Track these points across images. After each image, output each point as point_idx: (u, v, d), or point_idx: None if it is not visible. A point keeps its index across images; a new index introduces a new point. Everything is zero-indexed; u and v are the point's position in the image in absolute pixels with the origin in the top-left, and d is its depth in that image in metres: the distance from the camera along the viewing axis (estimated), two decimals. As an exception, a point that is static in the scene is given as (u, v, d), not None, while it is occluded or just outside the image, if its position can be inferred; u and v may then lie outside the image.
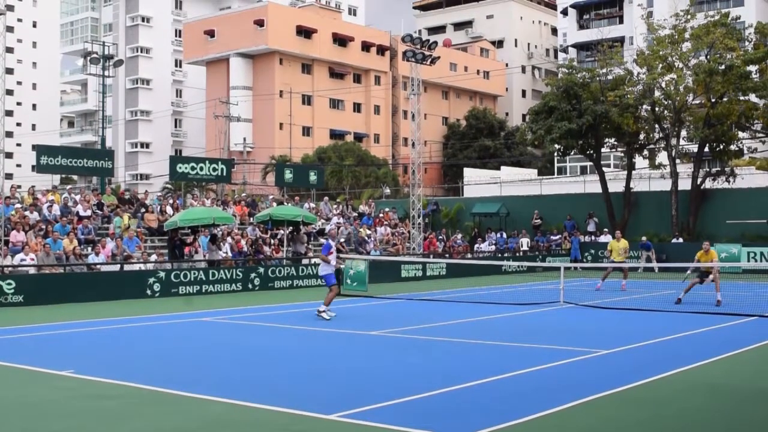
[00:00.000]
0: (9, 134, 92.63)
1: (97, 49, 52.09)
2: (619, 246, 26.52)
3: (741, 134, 43.17)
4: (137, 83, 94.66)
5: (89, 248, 26.40)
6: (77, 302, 22.11)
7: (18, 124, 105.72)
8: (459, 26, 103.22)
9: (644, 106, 43.34)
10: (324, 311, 17.92)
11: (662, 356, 12.87)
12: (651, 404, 9.35)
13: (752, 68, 40.72)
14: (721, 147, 42.30)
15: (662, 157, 45.97)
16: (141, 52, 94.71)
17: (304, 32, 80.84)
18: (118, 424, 8.49)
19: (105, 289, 23.48)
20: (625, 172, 46.08)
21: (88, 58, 51.96)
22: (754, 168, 50.21)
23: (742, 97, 41.27)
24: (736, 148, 43.06)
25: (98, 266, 25.10)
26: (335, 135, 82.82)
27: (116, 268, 25.53)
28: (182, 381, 10.52)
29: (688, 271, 23.37)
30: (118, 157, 80.00)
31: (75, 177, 68.05)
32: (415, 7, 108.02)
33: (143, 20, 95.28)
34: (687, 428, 8.29)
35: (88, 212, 30.14)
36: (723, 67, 40.07)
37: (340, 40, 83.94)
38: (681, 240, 39.94)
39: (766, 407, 9.34)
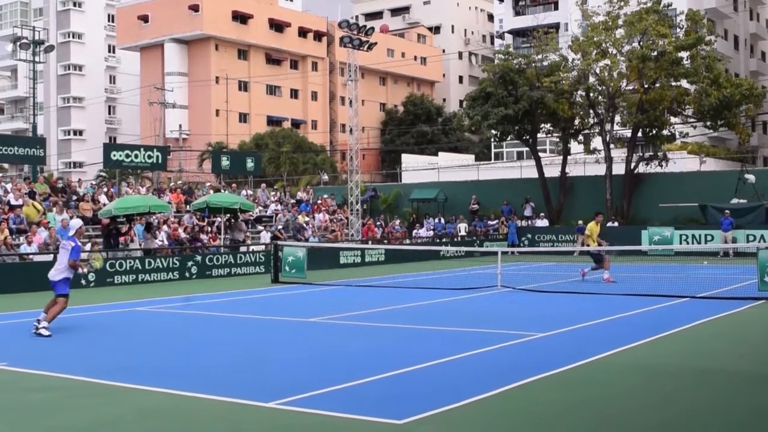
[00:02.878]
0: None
1: (27, 34, 50.85)
2: (599, 229, 25.16)
3: (673, 119, 43.94)
4: (69, 69, 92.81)
5: (21, 238, 25.84)
6: (9, 293, 21.64)
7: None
8: (396, 12, 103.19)
9: (579, 92, 43.87)
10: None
11: (598, 338, 13.04)
12: (590, 385, 9.47)
13: (683, 54, 41.44)
14: (654, 132, 43.01)
15: (597, 142, 46.59)
16: (73, 37, 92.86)
17: (240, 17, 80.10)
18: (52, 416, 8.33)
19: (38, 280, 22.89)
20: (561, 157, 46.65)
21: (18, 43, 50.73)
22: (685, 152, 51.23)
23: (673, 83, 41.98)
24: (669, 133, 43.83)
25: (30, 256, 24.58)
26: (272, 121, 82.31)
27: (49, 257, 25.02)
28: (117, 371, 10.36)
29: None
30: (51, 145, 78.56)
31: (6, 165, 66.51)
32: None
33: (75, 5, 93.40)
34: (626, 408, 8.41)
35: (20, 201, 29.48)
36: (655, 53, 40.74)
37: (277, 26, 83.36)
38: (616, 224, 40.56)
39: (703, 386, 9.52)
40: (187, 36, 79.16)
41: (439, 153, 71.08)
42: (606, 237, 38.40)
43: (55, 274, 14.21)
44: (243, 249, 30.76)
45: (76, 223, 15.08)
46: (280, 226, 35.39)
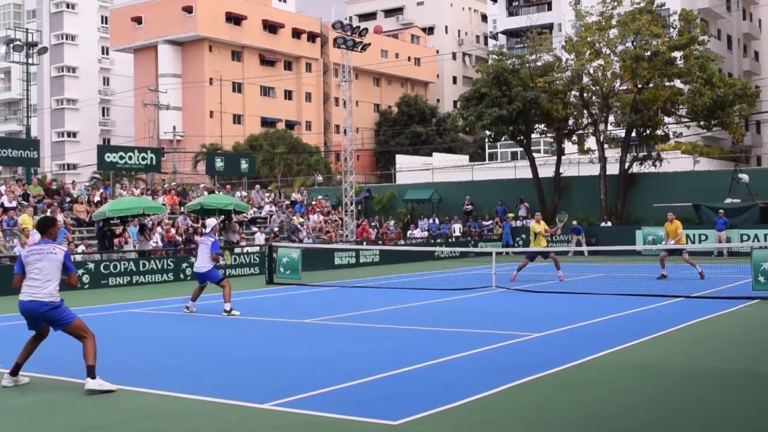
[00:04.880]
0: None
1: (21, 36, 50.80)
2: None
3: (667, 119, 44.04)
4: (63, 71, 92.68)
5: (15, 240, 25.78)
6: (3, 296, 21.56)
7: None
8: (390, 13, 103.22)
9: (573, 92, 43.95)
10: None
11: (593, 338, 13.05)
12: (585, 385, 9.47)
13: (677, 54, 41.54)
14: (648, 132, 43.10)
15: (591, 143, 46.69)
16: (66, 39, 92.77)
17: (234, 19, 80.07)
18: (47, 419, 8.32)
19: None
20: (555, 158, 46.71)
21: (11, 45, 50.64)
22: (679, 152, 51.33)
23: (667, 83, 42.10)
24: (662, 133, 43.94)
25: (24, 258, 24.47)
26: (266, 123, 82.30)
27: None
28: (112, 373, 10.33)
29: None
30: (44, 147, 78.46)
31: (-1, 167, 66.50)
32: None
33: (68, 6, 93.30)
34: (621, 408, 8.42)
35: (14, 203, 29.43)
36: (649, 53, 40.82)
37: (271, 27, 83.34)
38: (609, 224, 40.64)
39: (697, 385, 9.53)
40: (180, 37, 79.10)
41: (434, 154, 71.13)
42: (601, 237, 38.75)
43: (202, 266, 16.95)
44: (237, 250, 30.74)
45: (212, 222, 18.08)
46: (275, 229, 35.37)
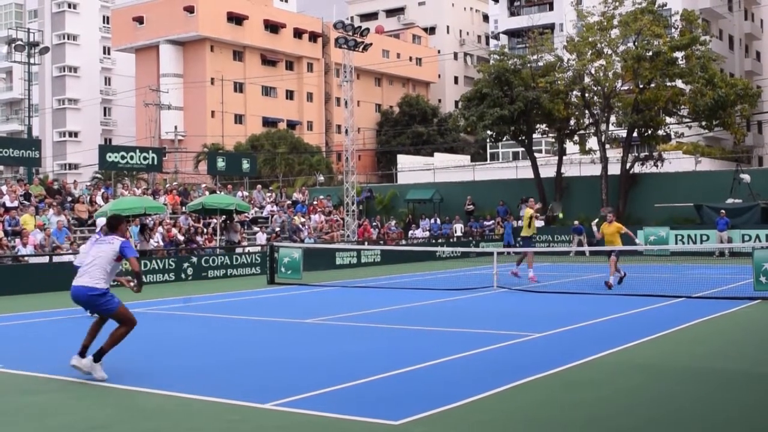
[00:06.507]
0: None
1: (22, 36, 50.80)
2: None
3: (668, 119, 44.00)
4: (64, 71, 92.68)
5: (16, 239, 25.80)
6: (5, 295, 21.60)
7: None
8: (391, 13, 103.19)
9: (574, 92, 43.91)
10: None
11: (594, 338, 13.04)
12: (586, 386, 9.47)
13: (678, 54, 41.50)
14: (649, 132, 43.05)
15: (592, 143, 46.65)
16: (68, 39, 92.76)
17: (235, 19, 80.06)
18: (48, 419, 8.31)
19: (34, 281, 22.98)
20: (557, 158, 46.67)
21: (13, 45, 50.65)
22: (681, 152, 51.32)
23: (669, 83, 42.04)
24: (664, 133, 43.87)
25: (26, 258, 24.55)
26: (268, 122, 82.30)
27: (45, 259, 25.00)
28: (113, 373, 10.34)
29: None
30: (46, 147, 78.48)
31: (1, 167, 66.41)
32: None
33: (69, 6, 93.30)
34: (622, 408, 8.41)
35: (15, 203, 29.44)
36: (650, 53, 40.78)
37: (272, 27, 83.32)
38: (611, 224, 40.50)
39: (699, 385, 9.53)
40: (182, 37, 79.11)
41: (435, 154, 71.13)
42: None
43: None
44: (239, 250, 30.74)
45: (102, 221, 16.47)
46: (277, 229, 35.38)
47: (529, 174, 46.16)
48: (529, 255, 23.21)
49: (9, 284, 22.44)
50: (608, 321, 15.17)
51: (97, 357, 9.96)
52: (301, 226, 36.49)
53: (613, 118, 44.06)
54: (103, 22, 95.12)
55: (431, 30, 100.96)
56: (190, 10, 77.72)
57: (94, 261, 10.14)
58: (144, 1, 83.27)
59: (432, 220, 44.80)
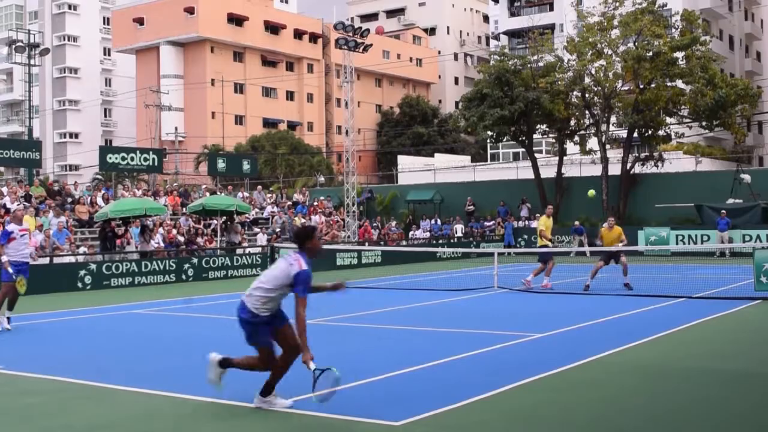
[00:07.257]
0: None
1: (23, 37, 50.77)
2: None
3: (668, 120, 44.00)
4: (65, 72, 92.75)
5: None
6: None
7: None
8: (391, 14, 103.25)
9: (575, 93, 43.94)
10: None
11: (595, 338, 13.03)
12: (587, 386, 9.46)
13: (679, 55, 41.51)
14: (650, 132, 43.06)
15: (593, 143, 46.64)
16: (68, 40, 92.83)
17: (236, 20, 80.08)
18: (48, 420, 8.30)
19: (34, 283, 22.90)
20: (557, 158, 46.67)
21: (13, 46, 50.60)
22: (681, 153, 51.32)
23: (669, 83, 42.07)
24: (664, 134, 43.88)
25: (26, 259, 24.50)
26: (268, 123, 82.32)
27: (45, 260, 25.01)
28: (113, 374, 10.34)
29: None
30: (46, 148, 78.58)
31: (2, 169, 66.43)
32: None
33: (70, 8, 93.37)
34: (623, 409, 8.40)
35: (16, 204, 29.42)
36: (651, 53, 40.80)
37: (272, 28, 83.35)
38: (611, 224, 40.49)
39: (699, 385, 9.52)
40: (182, 38, 79.13)
41: (435, 154, 71.12)
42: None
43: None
44: (239, 251, 30.74)
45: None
46: (277, 229, 35.38)
47: (529, 174, 46.15)
48: (550, 264, 22.14)
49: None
50: (609, 321, 15.15)
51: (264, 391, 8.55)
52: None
53: (613, 119, 44.06)
54: (104, 24, 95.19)
55: (431, 31, 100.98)
56: (190, 11, 77.74)
57: (261, 282, 8.90)
58: (144, 2, 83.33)
59: (432, 221, 44.81)
